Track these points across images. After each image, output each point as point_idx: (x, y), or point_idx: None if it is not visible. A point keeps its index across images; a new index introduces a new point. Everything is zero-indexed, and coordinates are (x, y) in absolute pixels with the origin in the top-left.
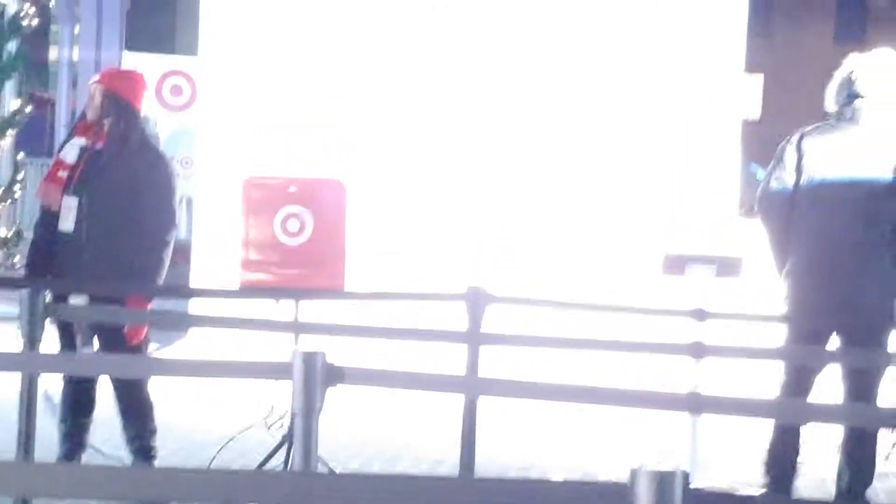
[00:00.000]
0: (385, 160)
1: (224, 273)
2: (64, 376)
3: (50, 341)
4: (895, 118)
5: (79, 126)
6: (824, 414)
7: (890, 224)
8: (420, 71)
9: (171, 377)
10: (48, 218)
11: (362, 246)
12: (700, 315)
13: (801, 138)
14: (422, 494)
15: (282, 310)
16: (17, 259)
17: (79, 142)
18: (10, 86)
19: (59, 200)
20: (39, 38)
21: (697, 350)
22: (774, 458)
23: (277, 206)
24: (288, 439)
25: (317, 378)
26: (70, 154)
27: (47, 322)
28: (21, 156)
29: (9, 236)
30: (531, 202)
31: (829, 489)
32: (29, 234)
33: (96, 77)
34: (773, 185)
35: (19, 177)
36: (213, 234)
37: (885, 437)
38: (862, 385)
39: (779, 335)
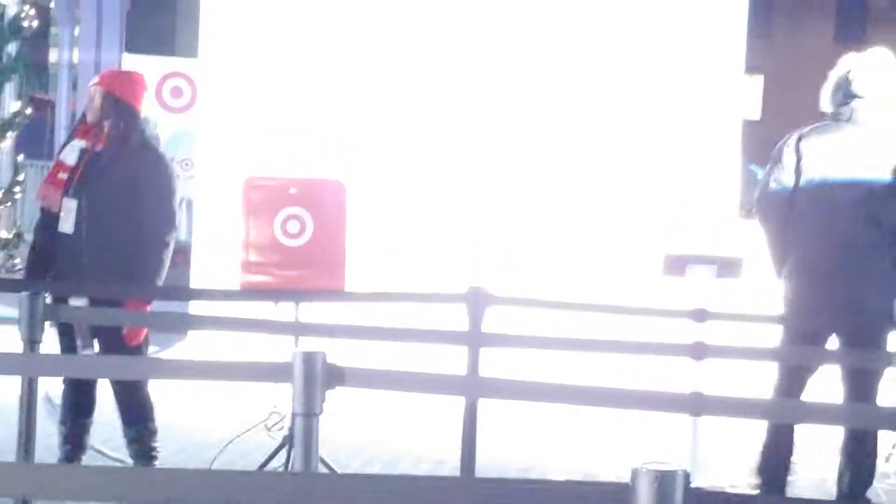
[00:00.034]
0: (385, 161)
1: (224, 274)
2: (64, 378)
3: (50, 343)
4: (892, 118)
5: (79, 128)
6: (825, 415)
7: (889, 225)
8: (420, 71)
9: (171, 379)
10: (48, 220)
11: (363, 247)
12: (700, 316)
13: (798, 139)
14: (423, 495)
15: (282, 311)
16: (17, 261)
17: (79, 144)
18: (9, 88)
19: (59, 202)
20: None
21: (698, 351)
22: (767, 459)
23: (278, 208)
24: (288, 441)
25: (317, 379)
26: (70, 156)
27: (47, 324)
28: (21, 158)
29: (9, 238)
30: (531, 202)
31: (830, 489)
32: (29, 236)
33: (96, 79)
34: (772, 186)
35: (19, 179)
36: (213, 235)
37: (885, 437)
38: (862, 386)
39: (777, 335)
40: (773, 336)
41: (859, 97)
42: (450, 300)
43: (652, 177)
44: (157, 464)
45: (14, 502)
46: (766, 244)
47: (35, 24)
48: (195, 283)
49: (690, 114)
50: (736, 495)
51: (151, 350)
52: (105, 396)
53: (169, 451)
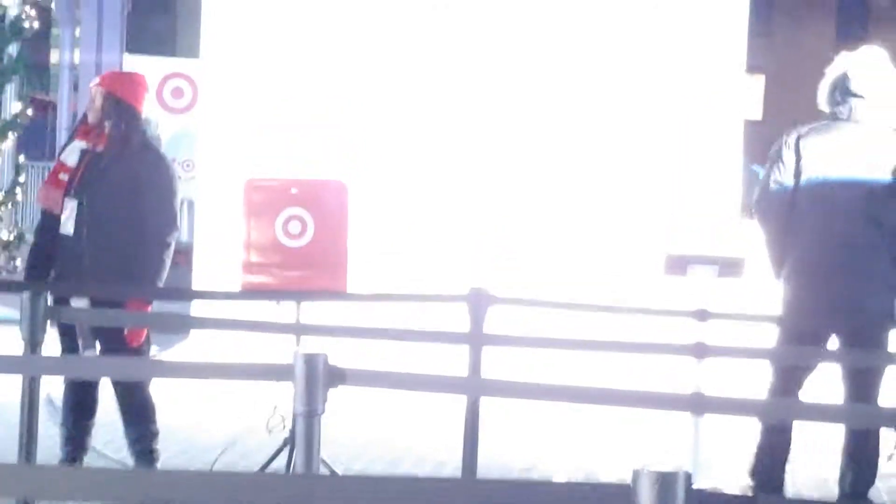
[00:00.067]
0: (386, 161)
1: (226, 275)
2: (65, 379)
3: (51, 344)
4: (890, 117)
5: (80, 129)
6: (826, 414)
7: (890, 224)
8: (420, 71)
9: (172, 379)
10: (49, 221)
11: (364, 247)
12: (702, 315)
13: (798, 139)
14: (424, 496)
15: (283, 312)
16: (18, 262)
17: (80, 144)
18: (11, 89)
19: (60, 203)
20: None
21: (699, 350)
22: (762, 460)
23: (279, 208)
24: (290, 441)
25: (318, 379)
26: (71, 157)
27: (48, 325)
28: (22, 159)
29: (10, 239)
30: (533, 203)
31: (831, 489)
32: (30, 237)
33: (97, 80)
34: (772, 186)
35: (20, 180)
36: (214, 236)
37: (886, 437)
38: (863, 385)
39: (775, 335)
40: (772, 336)
41: (858, 96)
42: (451, 300)
43: (653, 177)
44: (159, 465)
45: (16, 503)
46: (766, 244)
47: (36, 24)
48: (196, 283)
49: (692, 113)
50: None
51: (153, 351)
52: (106, 397)
53: (170, 453)
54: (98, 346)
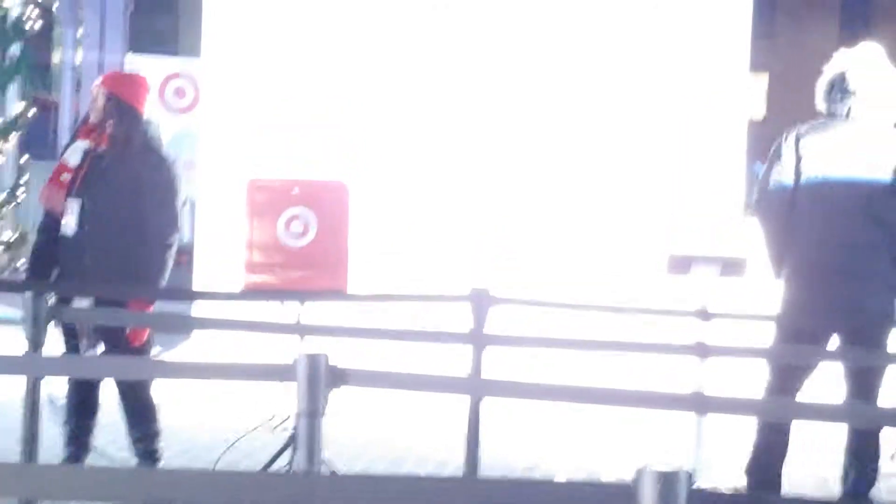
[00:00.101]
0: (388, 161)
1: (228, 275)
2: (68, 379)
3: (54, 344)
4: (888, 115)
5: (82, 129)
6: (828, 414)
7: (890, 224)
8: (421, 71)
9: (175, 379)
10: (51, 221)
11: (365, 247)
12: (704, 315)
13: (797, 138)
14: (426, 495)
15: (285, 312)
16: (21, 262)
17: (82, 145)
18: (13, 89)
19: (62, 203)
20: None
21: (702, 350)
22: (759, 460)
23: (281, 208)
24: (292, 441)
25: (321, 380)
26: (73, 157)
27: (51, 325)
28: (25, 159)
29: (13, 239)
30: (535, 203)
31: (833, 489)
32: (33, 237)
33: (99, 80)
34: (772, 185)
35: (23, 180)
36: (216, 236)
37: (888, 437)
38: (864, 385)
39: (775, 335)
40: (770, 335)
41: (856, 95)
42: (453, 300)
43: (656, 176)
44: (161, 464)
45: (18, 503)
46: (765, 244)
47: (38, 24)
48: (198, 283)
49: (695, 113)
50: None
51: (155, 351)
52: (109, 397)
53: (173, 452)
54: (100, 346)
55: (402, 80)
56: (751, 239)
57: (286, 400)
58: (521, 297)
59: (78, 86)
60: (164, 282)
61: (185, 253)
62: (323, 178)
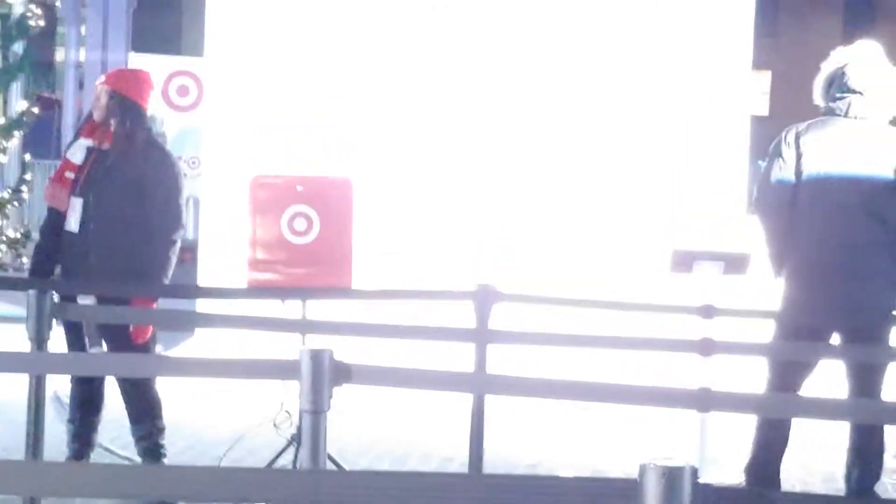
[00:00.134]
0: (391, 158)
1: (231, 272)
2: (72, 376)
3: (58, 341)
4: (887, 112)
5: (85, 127)
6: (832, 411)
7: (891, 221)
8: (425, 69)
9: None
10: (55, 219)
11: (369, 244)
12: (708, 312)
13: (797, 136)
14: (431, 492)
15: (289, 309)
16: (24, 260)
17: (85, 142)
18: (16, 87)
19: (66, 201)
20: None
21: (705, 347)
22: (759, 457)
23: (284, 205)
24: (296, 438)
25: (325, 376)
26: (77, 155)
27: (55, 322)
28: (28, 157)
29: (17, 237)
30: (538, 200)
31: (838, 485)
32: (36, 235)
33: (102, 78)
34: (772, 183)
35: (26, 178)
36: (219, 233)
37: (892, 433)
38: (866, 383)
39: (775, 333)
40: (771, 333)
41: (856, 92)
42: (457, 297)
43: (659, 174)
44: (166, 461)
45: (23, 500)
46: (765, 242)
47: (41, 23)
48: (202, 281)
49: (698, 111)
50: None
51: (158, 348)
52: (113, 394)
53: (177, 449)
54: (104, 343)
55: (406, 77)
56: (754, 236)
57: (290, 397)
58: (525, 294)
59: (81, 84)
60: (167, 279)
61: (189, 250)
62: (327, 175)
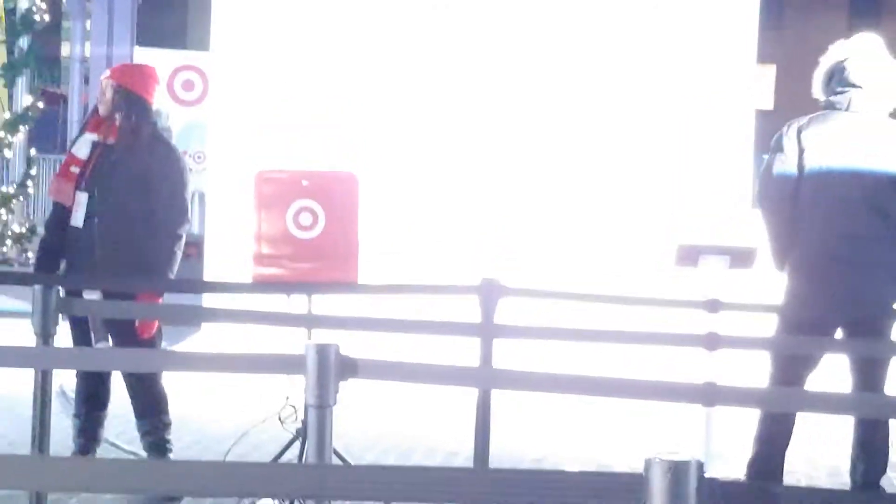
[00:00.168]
0: (397, 154)
1: (237, 267)
2: (78, 371)
3: (63, 336)
4: (887, 106)
5: (90, 121)
6: (838, 405)
7: (894, 215)
8: (431, 64)
9: (184, 371)
10: (60, 213)
11: (374, 239)
12: (713, 306)
13: (799, 131)
14: (436, 486)
15: (295, 303)
16: (30, 255)
17: (91, 137)
18: (22, 82)
19: (71, 196)
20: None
21: (711, 341)
22: (762, 451)
23: (290, 200)
24: (302, 432)
25: (330, 371)
26: (82, 149)
27: (60, 317)
28: (33, 152)
29: (22, 232)
30: (543, 194)
31: (843, 479)
32: (42, 230)
33: (107, 72)
34: (774, 178)
35: (32, 173)
36: (225, 228)
37: None
38: (870, 376)
39: (778, 327)
40: (774, 328)
41: (857, 87)
42: (462, 292)
43: (664, 168)
44: (171, 456)
45: (29, 495)
46: (767, 237)
47: (47, 17)
48: (208, 275)
49: (703, 104)
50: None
51: (164, 343)
52: (119, 389)
53: (183, 444)
54: (110, 338)
55: (412, 72)
56: (759, 230)
57: (296, 391)
58: (531, 288)
59: (86, 78)
60: (173, 274)
61: (195, 245)
62: (332, 169)
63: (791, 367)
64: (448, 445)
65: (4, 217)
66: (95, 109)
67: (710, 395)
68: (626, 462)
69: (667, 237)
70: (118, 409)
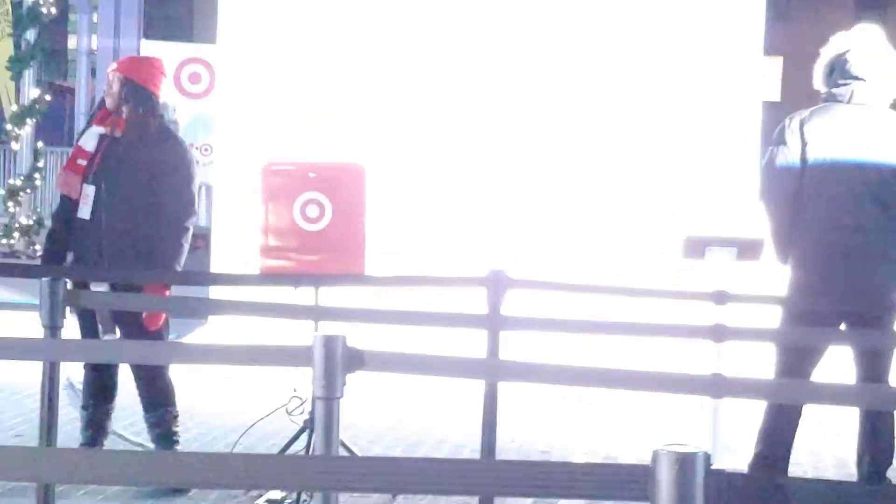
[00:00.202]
0: (404, 145)
1: (244, 259)
2: (86, 363)
3: (71, 328)
4: (889, 96)
5: (97, 114)
6: (843, 396)
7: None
8: (439, 57)
9: (192, 363)
10: (67, 206)
11: (381, 231)
12: (720, 298)
13: (801, 123)
14: (443, 478)
15: (302, 295)
16: (37, 247)
17: (98, 130)
18: (29, 75)
19: (78, 189)
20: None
21: (718, 333)
22: (768, 443)
23: (297, 192)
24: (309, 424)
25: (337, 363)
26: (89, 142)
27: (68, 310)
28: (41, 144)
29: (30, 224)
30: (549, 188)
31: (850, 471)
32: (49, 223)
33: (114, 65)
34: (778, 170)
35: (39, 165)
36: (232, 220)
37: None
38: (874, 368)
39: (782, 318)
40: (778, 320)
41: (859, 79)
42: (470, 283)
43: (671, 159)
44: (179, 448)
45: (37, 487)
46: (771, 229)
47: (54, 10)
48: (215, 268)
49: (710, 96)
50: (756, 477)
51: (171, 335)
52: (126, 381)
53: (190, 436)
54: (117, 330)
55: (419, 65)
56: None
57: (303, 383)
58: (538, 280)
59: (93, 71)
60: (180, 266)
61: (202, 237)
62: (339, 161)
63: (797, 359)
64: (455, 437)
65: (12, 209)
66: (102, 102)
67: (718, 386)
68: (633, 454)
69: (674, 229)
70: (126, 400)
